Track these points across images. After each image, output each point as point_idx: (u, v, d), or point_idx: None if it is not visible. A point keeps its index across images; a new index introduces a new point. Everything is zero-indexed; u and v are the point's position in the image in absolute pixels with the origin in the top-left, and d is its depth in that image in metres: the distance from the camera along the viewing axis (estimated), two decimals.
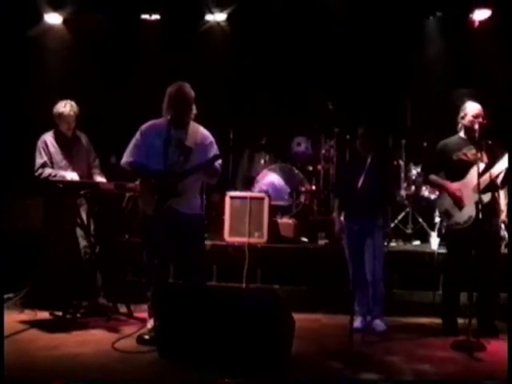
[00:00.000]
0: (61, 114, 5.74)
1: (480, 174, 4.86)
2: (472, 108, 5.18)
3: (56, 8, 7.90)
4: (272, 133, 8.00)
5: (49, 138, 5.80)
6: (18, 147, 6.39)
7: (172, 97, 4.80)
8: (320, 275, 6.12)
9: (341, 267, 5.38)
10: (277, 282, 6.14)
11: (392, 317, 5.42)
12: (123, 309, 5.55)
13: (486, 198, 4.95)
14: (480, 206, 4.80)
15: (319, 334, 5.14)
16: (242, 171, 7.93)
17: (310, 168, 7.95)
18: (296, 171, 7.64)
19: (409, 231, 7.12)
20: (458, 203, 5.09)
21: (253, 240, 6.48)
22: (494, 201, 5.05)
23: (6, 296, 5.61)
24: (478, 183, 4.82)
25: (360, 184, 4.82)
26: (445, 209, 5.21)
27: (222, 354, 4.07)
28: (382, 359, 4.44)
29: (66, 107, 5.73)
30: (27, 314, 5.47)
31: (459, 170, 5.14)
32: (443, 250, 5.86)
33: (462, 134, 5.26)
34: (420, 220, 7.10)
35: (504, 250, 5.56)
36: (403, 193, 7.33)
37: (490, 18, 7.72)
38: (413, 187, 7.34)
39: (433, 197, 6.99)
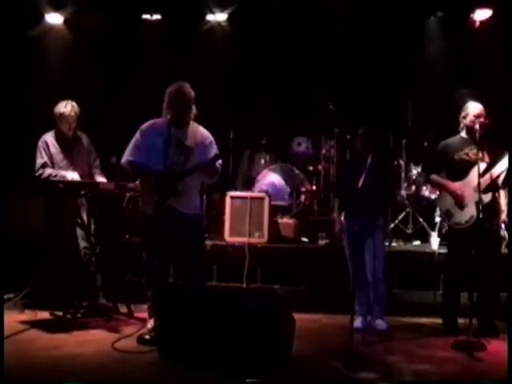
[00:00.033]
0: (62, 115, 5.74)
1: (481, 174, 4.87)
2: (474, 108, 5.18)
3: (57, 8, 7.91)
4: (272, 133, 8.00)
5: (49, 138, 5.80)
6: (18, 147, 6.40)
7: (172, 97, 4.80)
8: (320, 275, 6.12)
9: (341, 267, 5.38)
10: (277, 281, 6.14)
11: (392, 317, 5.41)
12: (123, 309, 5.55)
13: (487, 197, 4.95)
14: (480, 206, 4.80)
15: (319, 334, 5.13)
16: (243, 171, 7.92)
17: (311, 168, 7.96)
18: (296, 171, 7.65)
19: (409, 231, 7.12)
20: (460, 203, 5.09)
21: (253, 240, 6.48)
22: (495, 201, 5.05)
23: (6, 296, 5.61)
24: (479, 183, 4.82)
25: (360, 184, 4.82)
26: (446, 208, 5.21)
27: (223, 354, 4.07)
28: (382, 359, 4.44)
29: (66, 107, 5.73)
30: (27, 314, 5.47)
31: (461, 170, 5.14)
32: (444, 250, 5.86)
33: (463, 133, 5.26)
34: (420, 220, 7.09)
35: (504, 249, 5.56)
36: (403, 193, 7.32)
37: (490, 17, 7.71)
38: (413, 187, 7.34)
39: (433, 197, 6.99)
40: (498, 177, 5.01)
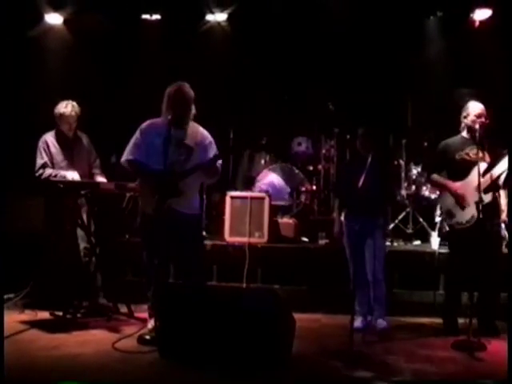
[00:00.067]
0: (62, 115, 5.73)
1: (482, 174, 4.87)
2: (474, 108, 5.18)
3: (56, 8, 7.90)
4: (272, 133, 8.00)
5: (50, 138, 5.80)
6: (18, 147, 6.40)
7: (172, 97, 4.80)
8: (320, 275, 6.11)
9: (341, 267, 5.38)
10: (277, 281, 6.13)
11: (392, 317, 5.41)
12: (123, 309, 5.54)
13: (487, 197, 4.95)
14: (481, 206, 4.80)
15: (319, 334, 5.13)
16: (243, 171, 7.93)
17: (311, 168, 7.96)
18: (296, 171, 7.64)
19: (409, 231, 7.11)
20: (461, 203, 5.09)
21: (253, 240, 6.48)
22: (495, 201, 5.05)
23: (6, 296, 5.61)
24: (479, 183, 4.82)
25: (360, 184, 4.82)
26: (447, 208, 5.21)
27: (223, 354, 4.07)
28: (382, 359, 4.44)
29: (67, 107, 5.73)
30: (27, 314, 5.47)
31: (461, 170, 5.14)
32: (444, 250, 5.86)
33: (464, 133, 5.26)
34: (420, 220, 7.09)
35: (504, 249, 5.56)
36: (404, 192, 7.32)
37: (490, 17, 7.71)
38: (413, 187, 7.33)
39: (433, 196, 7.00)
40: (499, 177, 5.01)
